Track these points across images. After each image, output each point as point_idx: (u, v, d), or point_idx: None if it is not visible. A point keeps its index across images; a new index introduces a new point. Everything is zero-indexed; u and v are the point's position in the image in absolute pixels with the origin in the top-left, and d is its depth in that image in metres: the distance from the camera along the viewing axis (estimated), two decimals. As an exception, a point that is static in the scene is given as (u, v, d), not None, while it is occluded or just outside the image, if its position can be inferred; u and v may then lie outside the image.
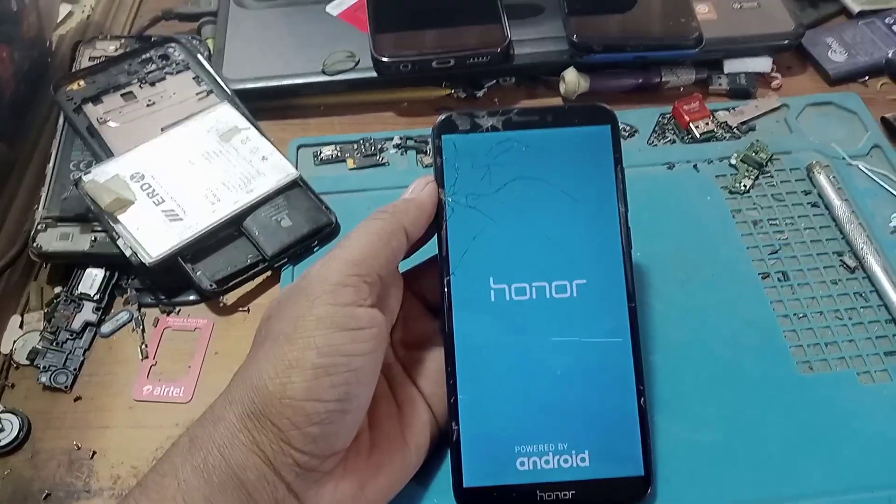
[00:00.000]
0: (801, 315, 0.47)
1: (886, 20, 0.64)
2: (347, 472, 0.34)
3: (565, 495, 0.36)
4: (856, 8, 0.65)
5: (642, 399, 0.37)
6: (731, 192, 0.53)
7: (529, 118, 0.38)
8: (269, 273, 0.50)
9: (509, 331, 0.37)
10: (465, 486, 0.35)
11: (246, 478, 0.31)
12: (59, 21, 0.65)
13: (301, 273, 0.49)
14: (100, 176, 0.49)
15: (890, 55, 0.60)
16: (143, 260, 0.47)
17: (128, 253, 0.47)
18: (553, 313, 0.37)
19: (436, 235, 0.38)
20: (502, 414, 0.36)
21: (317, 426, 0.31)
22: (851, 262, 0.49)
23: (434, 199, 0.37)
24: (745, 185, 0.53)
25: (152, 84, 0.57)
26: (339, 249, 0.35)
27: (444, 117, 0.39)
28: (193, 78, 0.57)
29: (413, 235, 0.37)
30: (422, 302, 0.42)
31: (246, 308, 0.49)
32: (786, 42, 0.60)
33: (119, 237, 0.47)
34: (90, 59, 0.59)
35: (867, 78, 0.61)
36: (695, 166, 0.55)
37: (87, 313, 0.48)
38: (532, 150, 0.38)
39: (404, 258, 0.39)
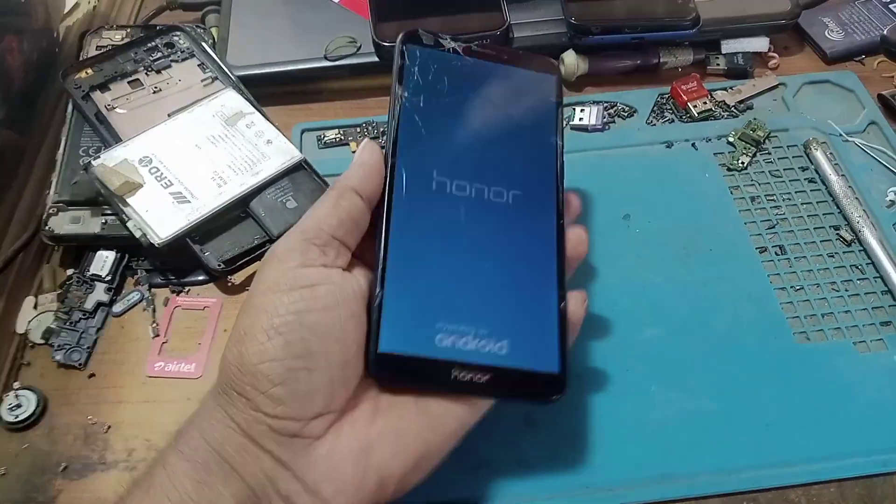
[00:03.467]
0: (797, 287, 0.48)
1: (883, -1, 0.64)
2: (344, 434, 0.32)
3: (479, 378, 0.35)
4: (852, -13, 0.66)
5: (563, 303, 0.38)
6: (729, 170, 0.54)
7: (488, 52, 0.43)
8: (275, 253, 0.51)
9: (445, 220, 0.38)
10: (380, 350, 0.34)
11: (226, 453, 0.31)
12: (65, 12, 0.66)
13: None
14: (109, 160, 0.50)
15: (885, 32, 0.61)
16: (152, 241, 0.48)
17: (137, 234, 0.48)
18: (488, 214, 0.38)
19: (386, 125, 0.41)
20: (428, 290, 0.36)
21: (280, 387, 0.31)
22: (848, 236, 0.50)
23: (377, 154, 0.38)
24: (742, 163, 0.54)
25: (158, 71, 0.57)
26: (298, 222, 0.36)
27: (411, 30, 0.42)
28: (198, 65, 0.58)
29: (365, 192, 0.36)
30: None
31: (253, 287, 0.50)
32: (783, 22, 0.61)
33: (129, 219, 0.49)
34: (97, 48, 0.60)
35: (864, 56, 0.62)
36: (693, 144, 0.56)
37: (100, 294, 0.49)
38: (486, 77, 0.42)
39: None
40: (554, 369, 0.36)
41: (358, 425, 0.33)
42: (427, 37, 0.42)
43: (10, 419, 0.44)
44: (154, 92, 0.57)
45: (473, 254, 0.38)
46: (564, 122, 0.57)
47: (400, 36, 0.41)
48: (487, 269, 0.37)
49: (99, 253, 0.50)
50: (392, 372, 0.34)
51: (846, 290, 0.48)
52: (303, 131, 0.58)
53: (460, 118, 0.40)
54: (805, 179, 0.53)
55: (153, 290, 0.50)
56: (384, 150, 0.39)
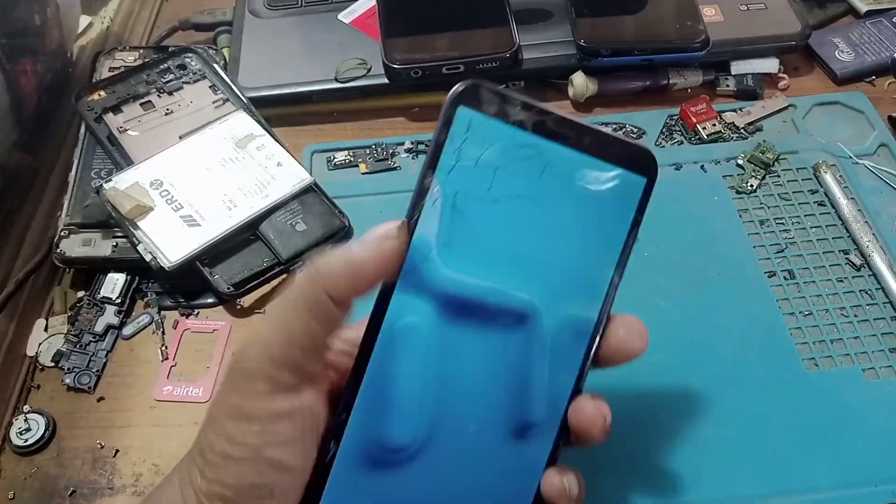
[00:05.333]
0: (806, 312, 0.48)
1: (894, 19, 0.64)
2: None
3: None
4: (863, 7, 0.66)
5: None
6: (737, 192, 0.54)
7: (565, 131, 0.30)
8: (284, 276, 0.51)
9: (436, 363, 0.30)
10: None
11: None
12: (79, 32, 0.67)
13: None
14: (120, 183, 0.51)
15: (895, 55, 0.61)
16: (162, 264, 0.48)
17: (148, 258, 0.48)
18: (496, 344, 0.31)
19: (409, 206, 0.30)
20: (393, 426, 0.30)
21: None
22: (857, 260, 0.50)
23: (376, 254, 0.29)
24: (751, 185, 0.54)
25: (170, 93, 0.58)
26: (261, 326, 0.30)
27: (469, 84, 0.29)
28: (210, 87, 0.59)
29: (343, 298, 0.29)
30: None
31: (262, 310, 0.50)
32: (792, 43, 0.61)
33: (139, 242, 0.49)
34: (110, 69, 0.61)
35: (874, 77, 0.62)
36: (702, 167, 0.56)
37: (109, 316, 0.50)
38: (551, 169, 0.30)
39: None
40: None
41: None
42: (490, 97, 0.29)
43: (20, 443, 0.44)
44: (166, 114, 0.57)
45: (458, 411, 0.31)
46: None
47: (453, 92, 0.29)
48: (471, 432, 0.31)
49: (109, 275, 0.51)
50: None
51: (855, 316, 0.48)
52: (313, 153, 0.58)
53: (500, 221, 0.30)
54: (814, 203, 0.53)
55: (163, 312, 0.50)
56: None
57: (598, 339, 0.31)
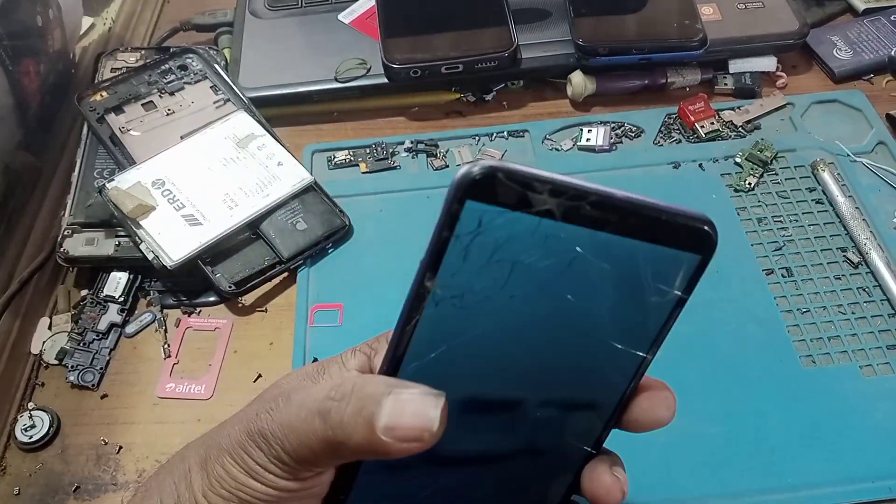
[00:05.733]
0: (804, 310, 0.48)
1: (892, 17, 0.64)
2: None
3: None
4: (861, 6, 0.66)
5: None
6: (735, 191, 0.54)
7: (606, 215, 0.22)
8: (285, 274, 0.51)
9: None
10: None
11: None
12: (81, 33, 0.67)
13: (315, 274, 0.51)
14: (122, 183, 0.51)
15: (893, 53, 0.61)
16: (164, 263, 0.48)
17: (150, 257, 0.49)
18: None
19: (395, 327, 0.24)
20: None
21: None
22: (855, 258, 0.50)
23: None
24: (749, 183, 0.54)
25: (171, 94, 0.59)
26: (275, 414, 0.25)
27: (480, 173, 0.21)
28: (211, 87, 0.59)
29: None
30: None
31: (263, 308, 0.51)
32: (791, 41, 0.61)
33: (141, 242, 0.49)
34: (112, 70, 0.61)
35: (872, 75, 0.62)
36: (700, 165, 0.56)
37: (112, 315, 0.50)
38: (584, 259, 0.23)
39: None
40: None
41: None
42: (507, 189, 0.21)
43: (24, 439, 0.45)
44: (167, 114, 0.58)
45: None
46: (572, 143, 0.57)
47: (462, 182, 0.21)
48: None
49: (112, 274, 0.51)
50: None
51: (853, 313, 0.48)
52: (313, 152, 0.59)
53: (512, 327, 0.25)
54: (812, 200, 0.53)
55: (165, 310, 0.51)
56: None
57: (619, 407, 0.28)
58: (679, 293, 0.25)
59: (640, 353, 0.26)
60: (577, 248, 0.23)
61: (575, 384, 0.27)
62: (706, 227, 0.24)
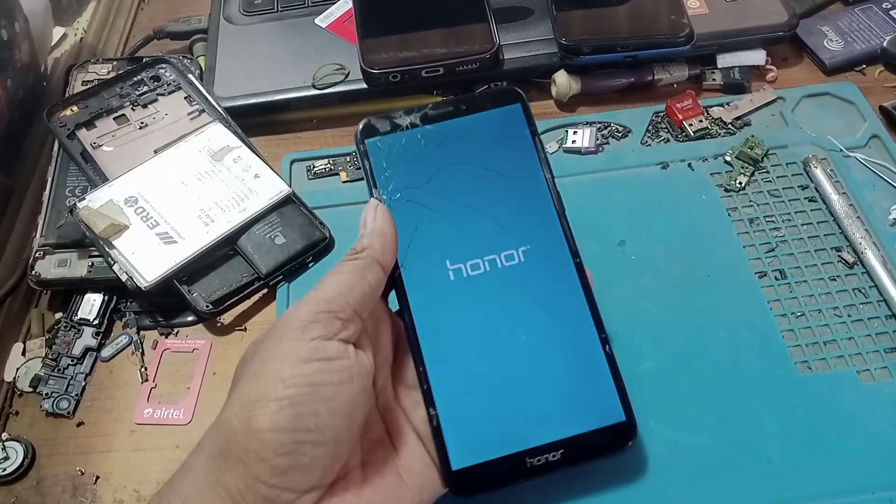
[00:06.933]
0: (798, 314, 0.47)
1: (883, 5, 0.63)
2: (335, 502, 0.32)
3: (553, 456, 0.36)
4: (852, -7, 0.64)
5: (607, 346, 0.38)
6: (726, 190, 0.53)
7: (444, 110, 0.40)
8: (264, 291, 0.50)
9: (471, 307, 0.37)
10: (453, 469, 0.35)
11: None
12: (52, 45, 0.65)
13: (295, 290, 0.49)
14: (94, 202, 0.50)
15: (885, 44, 0.59)
16: (138, 284, 0.47)
17: (124, 278, 0.47)
18: (508, 282, 0.38)
19: None
20: (477, 390, 0.36)
21: (285, 457, 0.30)
22: (850, 258, 0.49)
23: (391, 221, 0.37)
24: (740, 183, 0.53)
25: (144, 106, 0.57)
26: (312, 291, 0.35)
27: (363, 123, 0.40)
28: (185, 97, 0.58)
29: (387, 264, 0.37)
30: None
31: (243, 327, 0.49)
32: (780, 33, 0.59)
33: (114, 262, 0.48)
34: (83, 83, 0.60)
35: (864, 66, 0.60)
36: (689, 165, 0.54)
37: (88, 338, 0.49)
38: (453, 137, 0.40)
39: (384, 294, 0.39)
40: (620, 418, 0.37)
41: (347, 497, 0.33)
42: (381, 123, 0.40)
43: (-2, 473, 0.43)
44: (140, 127, 0.56)
45: (507, 335, 0.37)
46: (558, 146, 0.56)
47: (356, 133, 0.40)
48: (525, 343, 0.37)
49: (87, 296, 0.50)
50: (470, 483, 0.35)
51: (849, 316, 0.47)
52: (292, 162, 0.57)
53: (445, 196, 0.39)
54: (805, 199, 0.52)
55: (142, 332, 0.49)
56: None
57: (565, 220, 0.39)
58: (527, 127, 0.40)
59: (539, 174, 0.40)
60: (443, 135, 0.40)
61: (515, 224, 0.39)
62: (512, 87, 0.41)
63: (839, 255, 0.49)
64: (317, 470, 0.31)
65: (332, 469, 0.32)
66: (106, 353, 0.48)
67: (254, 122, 0.58)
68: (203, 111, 0.57)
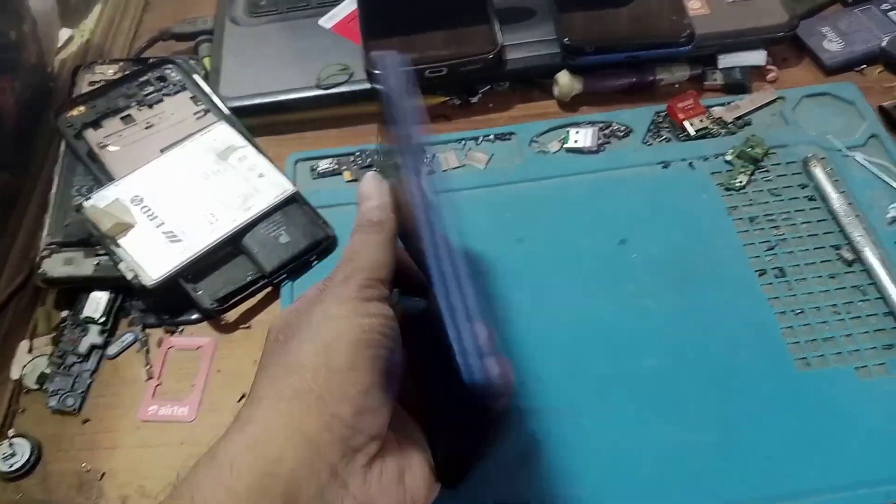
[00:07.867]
0: (798, 311, 0.47)
1: (882, 6, 0.63)
2: (388, 458, 0.33)
3: None
4: (852, -6, 0.65)
5: None
6: (726, 190, 0.53)
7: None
8: (269, 289, 0.50)
9: None
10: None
11: (282, 471, 0.29)
12: (59, 46, 0.66)
13: (299, 289, 0.50)
14: (100, 201, 0.50)
15: (884, 44, 0.59)
16: (143, 282, 0.48)
17: (129, 276, 0.48)
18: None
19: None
20: None
21: (363, 396, 0.31)
22: (849, 256, 0.49)
23: (389, 193, 0.37)
24: (740, 182, 0.53)
25: (150, 106, 0.57)
26: (350, 262, 0.35)
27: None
28: (191, 98, 0.58)
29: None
30: None
31: (247, 325, 0.50)
32: (780, 34, 0.59)
33: (120, 261, 0.48)
34: (90, 83, 0.60)
35: (864, 66, 0.61)
36: (690, 164, 0.55)
37: (93, 336, 0.49)
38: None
39: None
40: None
41: (395, 451, 0.34)
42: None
43: (5, 468, 0.44)
44: (146, 127, 0.57)
45: None
46: (560, 145, 0.56)
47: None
48: None
49: (92, 294, 0.50)
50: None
51: (848, 313, 0.47)
52: (296, 161, 0.57)
53: None
54: (805, 197, 0.52)
55: (147, 330, 0.50)
56: None
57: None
58: None
59: None
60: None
61: None
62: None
63: (838, 254, 0.49)
64: (383, 415, 0.32)
65: (387, 419, 0.33)
66: (112, 350, 0.49)
67: (258, 121, 0.59)
68: (208, 111, 0.57)
